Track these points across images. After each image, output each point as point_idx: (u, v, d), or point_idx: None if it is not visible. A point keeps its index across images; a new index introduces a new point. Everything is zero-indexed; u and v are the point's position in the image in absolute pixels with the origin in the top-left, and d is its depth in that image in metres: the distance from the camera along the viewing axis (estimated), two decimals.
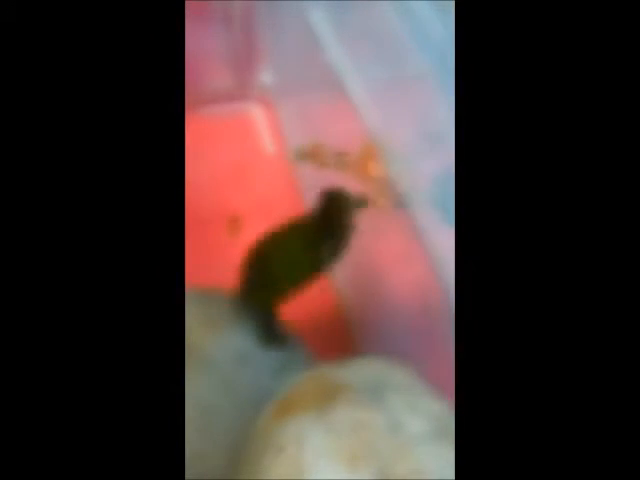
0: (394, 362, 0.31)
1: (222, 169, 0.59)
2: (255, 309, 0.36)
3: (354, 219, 0.35)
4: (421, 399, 0.28)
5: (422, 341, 0.38)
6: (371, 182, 0.38)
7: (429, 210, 0.34)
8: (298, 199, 0.55)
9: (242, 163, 0.60)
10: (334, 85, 0.42)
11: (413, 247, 0.35)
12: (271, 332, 0.36)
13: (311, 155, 0.43)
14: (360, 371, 0.30)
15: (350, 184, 0.38)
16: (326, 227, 0.35)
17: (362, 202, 0.36)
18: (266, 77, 0.62)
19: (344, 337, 0.50)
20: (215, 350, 0.35)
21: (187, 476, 0.31)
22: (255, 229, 0.38)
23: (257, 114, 0.63)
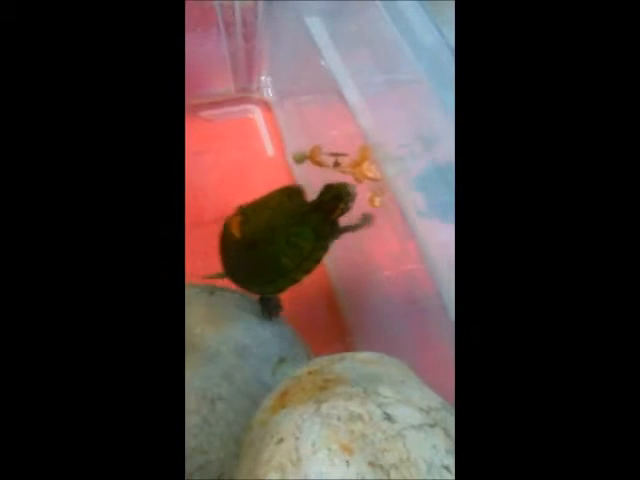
0: (388, 356, 0.32)
1: (223, 170, 0.60)
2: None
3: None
4: (413, 392, 0.29)
5: (414, 333, 0.39)
6: (366, 182, 0.39)
7: (420, 207, 0.35)
8: None
9: (243, 164, 0.61)
10: (331, 89, 0.43)
11: (405, 243, 0.36)
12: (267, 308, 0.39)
13: (309, 157, 0.44)
14: (355, 365, 0.31)
15: (349, 181, 0.38)
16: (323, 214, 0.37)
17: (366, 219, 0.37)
18: (265, 82, 0.63)
19: (340, 332, 0.50)
20: (216, 344, 0.36)
21: (188, 468, 0.32)
22: None
23: (257, 117, 0.64)
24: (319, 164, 0.43)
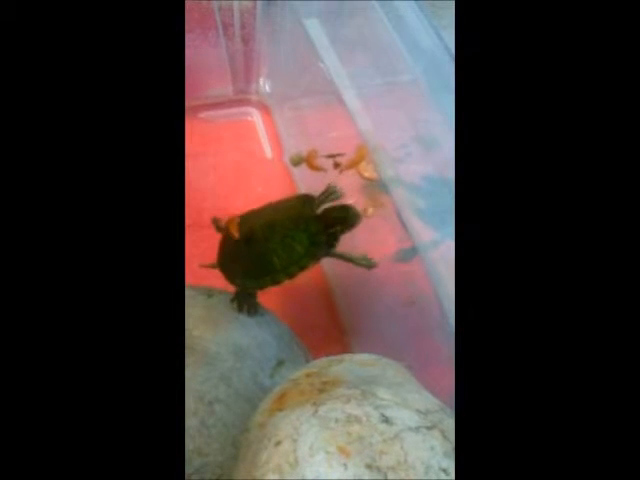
0: (385, 358, 0.32)
1: (221, 172, 0.60)
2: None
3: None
4: (411, 394, 0.29)
5: (412, 334, 0.39)
6: (363, 185, 0.39)
7: (419, 209, 0.35)
8: None
9: (241, 166, 0.61)
10: (329, 91, 0.43)
11: (403, 244, 0.36)
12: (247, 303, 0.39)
13: (306, 161, 0.44)
14: (353, 367, 0.31)
15: (344, 186, 0.39)
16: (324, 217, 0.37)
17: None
18: (264, 84, 0.63)
19: (338, 333, 0.50)
20: (214, 346, 0.36)
21: (186, 470, 0.32)
22: None
23: (255, 119, 0.64)
24: (316, 169, 0.43)
